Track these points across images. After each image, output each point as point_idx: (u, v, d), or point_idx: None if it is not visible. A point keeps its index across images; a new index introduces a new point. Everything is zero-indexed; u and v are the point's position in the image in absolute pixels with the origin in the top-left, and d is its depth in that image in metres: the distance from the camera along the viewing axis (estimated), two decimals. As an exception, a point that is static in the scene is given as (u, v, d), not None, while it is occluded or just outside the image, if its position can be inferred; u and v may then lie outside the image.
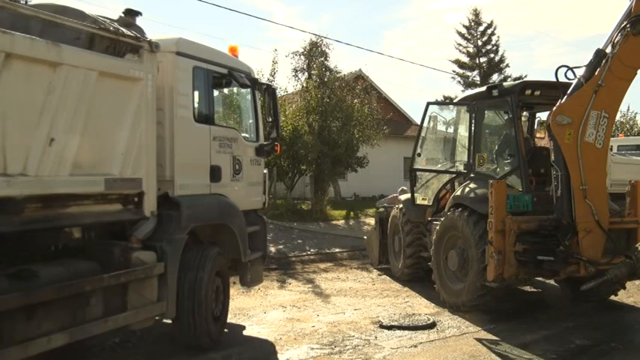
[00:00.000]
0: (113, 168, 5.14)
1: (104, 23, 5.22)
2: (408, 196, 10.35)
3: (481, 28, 38.80)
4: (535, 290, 9.60)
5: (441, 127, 10.29)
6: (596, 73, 7.07)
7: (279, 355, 6.23)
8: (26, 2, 5.47)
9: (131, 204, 5.40)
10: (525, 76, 34.44)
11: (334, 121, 19.28)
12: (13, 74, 4.14)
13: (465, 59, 39.23)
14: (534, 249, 7.26)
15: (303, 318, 7.76)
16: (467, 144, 9.00)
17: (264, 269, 8.09)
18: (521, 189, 8.00)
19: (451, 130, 10.12)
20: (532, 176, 8.24)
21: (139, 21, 5.84)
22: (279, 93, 18.75)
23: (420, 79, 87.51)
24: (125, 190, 5.30)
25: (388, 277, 10.75)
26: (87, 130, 4.80)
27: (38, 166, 4.36)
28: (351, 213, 20.17)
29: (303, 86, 20.36)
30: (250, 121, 7.59)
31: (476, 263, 7.68)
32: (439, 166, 10.19)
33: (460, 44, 39.22)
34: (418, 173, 9.99)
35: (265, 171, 7.86)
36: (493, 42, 38.75)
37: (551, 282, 9.15)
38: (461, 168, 9.26)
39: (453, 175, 9.44)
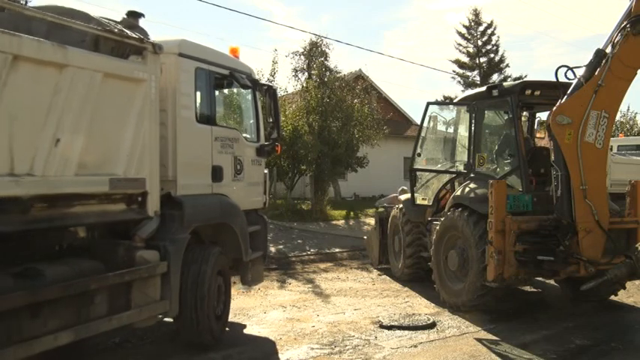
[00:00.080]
0: (117, 168, 5.18)
1: (109, 25, 5.27)
2: (408, 196, 10.37)
3: (481, 28, 38.91)
4: (535, 290, 9.62)
5: (441, 127, 10.30)
6: (596, 73, 7.09)
7: (279, 355, 6.24)
8: (26, 3, 5.52)
9: (135, 204, 5.44)
10: (525, 76, 34.54)
11: (334, 121, 19.29)
12: (21, 76, 4.18)
13: (465, 59, 39.31)
14: (534, 249, 7.28)
15: (303, 318, 7.78)
16: (467, 144, 9.01)
17: (264, 269, 8.12)
18: (521, 189, 8.02)
19: (451, 130, 10.14)
20: (532, 176, 8.26)
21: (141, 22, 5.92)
22: (279, 93, 18.73)
23: (420, 79, 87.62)
24: (129, 189, 5.34)
25: (388, 277, 10.77)
26: (92, 131, 4.84)
27: (44, 166, 4.40)
28: (351, 213, 20.17)
29: (303, 86, 20.36)
30: (251, 121, 7.63)
31: (476, 263, 7.70)
32: (439, 166, 10.20)
33: (460, 44, 39.36)
34: (418, 173, 10.00)
35: (266, 171, 7.91)
36: (493, 42, 38.86)
37: (551, 282, 9.17)
38: (461, 168, 9.28)
39: (453, 175, 9.46)
